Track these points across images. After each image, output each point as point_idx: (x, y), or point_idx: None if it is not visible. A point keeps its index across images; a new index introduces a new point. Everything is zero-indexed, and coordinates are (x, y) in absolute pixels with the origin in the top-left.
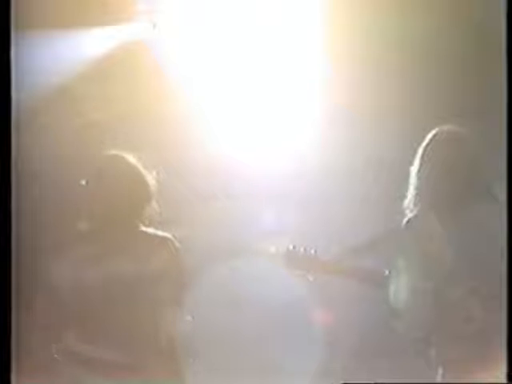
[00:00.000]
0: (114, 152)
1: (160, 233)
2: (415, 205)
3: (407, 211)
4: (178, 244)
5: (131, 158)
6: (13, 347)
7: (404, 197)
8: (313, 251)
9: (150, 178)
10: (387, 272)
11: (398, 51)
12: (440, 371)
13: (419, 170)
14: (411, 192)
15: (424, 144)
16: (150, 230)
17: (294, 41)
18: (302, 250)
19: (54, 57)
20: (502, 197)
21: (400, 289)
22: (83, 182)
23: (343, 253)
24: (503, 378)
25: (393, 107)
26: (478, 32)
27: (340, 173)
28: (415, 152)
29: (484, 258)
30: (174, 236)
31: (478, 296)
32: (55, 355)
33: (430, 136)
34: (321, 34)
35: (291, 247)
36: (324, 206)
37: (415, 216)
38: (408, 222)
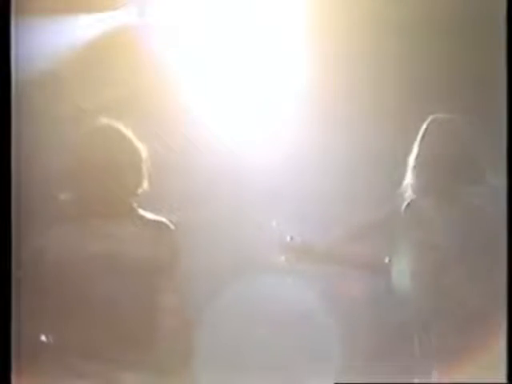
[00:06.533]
0: (106, 121)
1: (154, 216)
2: (413, 190)
3: (404, 196)
4: (173, 227)
5: (124, 129)
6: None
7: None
8: (310, 241)
9: (143, 150)
10: (387, 259)
11: (397, 41)
12: (437, 356)
13: (417, 156)
14: (409, 177)
15: (421, 130)
16: (143, 212)
17: (288, 29)
18: (299, 240)
19: (44, 43)
20: (496, 182)
21: (399, 274)
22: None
23: (340, 240)
24: (503, 377)
25: (391, 100)
26: (476, 21)
27: (339, 168)
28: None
29: (479, 242)
30: (170, 220)
31: (475, 281)
32: (47, 340)
33: (426, 122)
34: (317, 21)
35: (288, 238)
36: (321, 200)
37: (414, 200)
38: (407, 205)
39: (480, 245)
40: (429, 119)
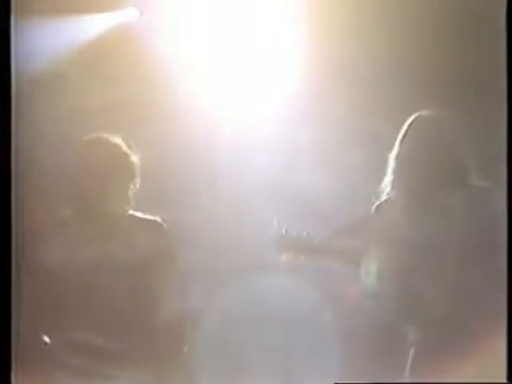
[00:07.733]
0: (97, 134)
1: (148, 216)
2: (392, 189)
3: (383, 195)
4: (167, 227)
5: (115, 139)
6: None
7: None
8: (305, 234)
9: (135, 159)
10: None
11: (396, 40)
12: (411, 355)
13: (398, 155)
14: (389, 176)
15: (403, 128)
16: (138, 214)
17: (287, 28)
18: (293, 233)
19: (44, 43)
20: (478, 182)
21: (376, 270)
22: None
23: (333, 234)
24: (503, 377)
25: (390, 99)
26: (476, 21)
27: (338, 166)
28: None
29: (456, 244)
30: (163, 219)
31: (448, 282)
32: (47, 342)
33: (409, 121)
34: (317, 20)
35: (283, 231)
36: (321, 199)
37: (385, 201)
38: (377, 207)
39: (457, 247)
40: (412, 117)
